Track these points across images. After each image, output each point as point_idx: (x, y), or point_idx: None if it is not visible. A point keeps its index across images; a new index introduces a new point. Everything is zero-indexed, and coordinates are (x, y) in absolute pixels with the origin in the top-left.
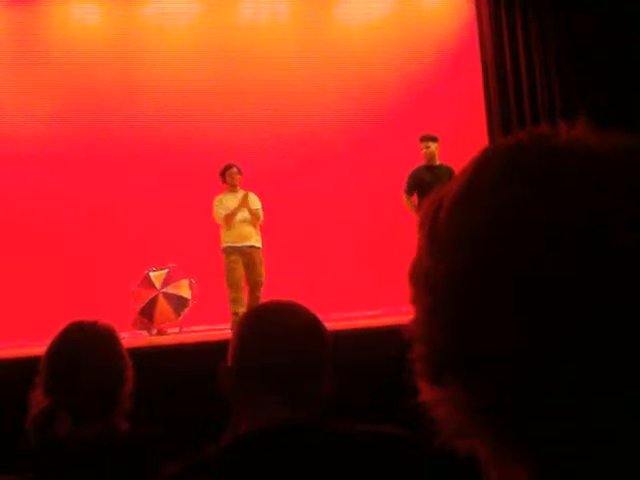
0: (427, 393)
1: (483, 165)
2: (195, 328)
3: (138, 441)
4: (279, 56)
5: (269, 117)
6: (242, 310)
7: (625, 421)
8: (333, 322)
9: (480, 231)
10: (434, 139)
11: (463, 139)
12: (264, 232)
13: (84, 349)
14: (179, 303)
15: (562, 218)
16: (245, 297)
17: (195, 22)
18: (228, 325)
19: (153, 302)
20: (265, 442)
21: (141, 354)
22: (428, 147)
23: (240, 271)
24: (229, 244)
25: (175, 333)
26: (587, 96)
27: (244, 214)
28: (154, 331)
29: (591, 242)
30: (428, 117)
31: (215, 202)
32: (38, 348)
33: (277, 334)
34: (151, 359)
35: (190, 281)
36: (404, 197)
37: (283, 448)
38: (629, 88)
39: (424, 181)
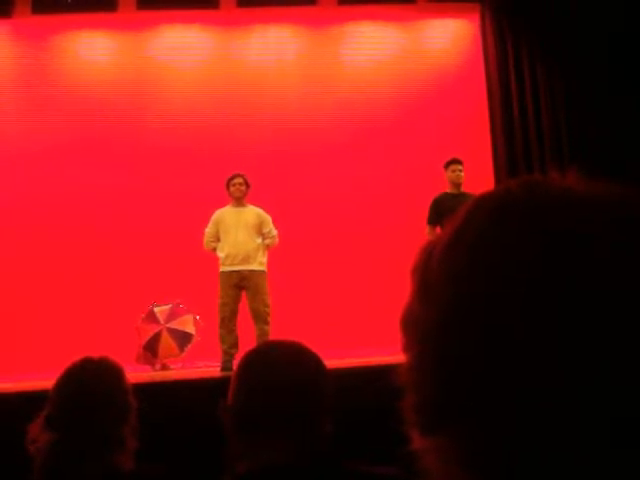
0: (418, 442)
1: (472, 214)
2: (199, 364)
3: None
4: (286, 93)
5: (276, 152)
6: (234, 350)
7: (617, 472)
8: (343, 359)
9: (466, 281)
10: (462, 163)
11: (468, 179)
12: (271, 258)
13: (93, 385)
14: (183, 338)
15: (549, 270)
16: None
17: (204, 58)
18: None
19: (157, 337)
20: None
21: (144, 389)
22: (460, 171)
23: (233, 306)
24: (225, 268)
25: (178, 369)
26: (594, 137)
27: (245, 232)
28: (158, 366)
29: (575, 293)
30: (433, 154)
31: (211, 220)
32: (37, 382)
33: (278, 376)
34: (154, 394)
35: (195, 317)
36: (427, 229)
37: None
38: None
39: (451, 210)
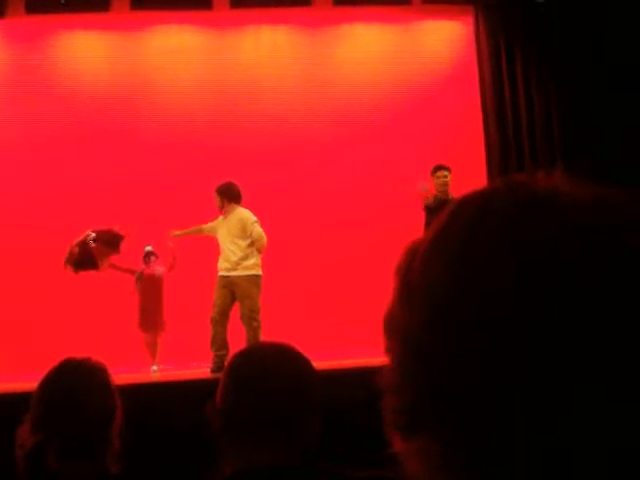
0: (399, 445)
1: (455, 214)
2: (190, 365)
3: None
4: (280, 91)
5: (269, 153)
6: (222, 352)
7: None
8: (332, 360)
9: (449, 282)
10: (448, 168)
11: (461, 182)
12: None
13: (76, 386)
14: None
15: (531, 274)
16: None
17: (197, 59)
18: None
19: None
20: None
21: (133, 391)
22: (445, 177)
23: (223, 307)
24: (219, 273)
25: (169, 370)
26: (587, 138)
27: (230, 241)
28: (154, 367)
29: (559, 293)
30: (427, 156)
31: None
32: (23, 384)
33: (266, 377)
34: (144, 396)
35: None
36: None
37: None
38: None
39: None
